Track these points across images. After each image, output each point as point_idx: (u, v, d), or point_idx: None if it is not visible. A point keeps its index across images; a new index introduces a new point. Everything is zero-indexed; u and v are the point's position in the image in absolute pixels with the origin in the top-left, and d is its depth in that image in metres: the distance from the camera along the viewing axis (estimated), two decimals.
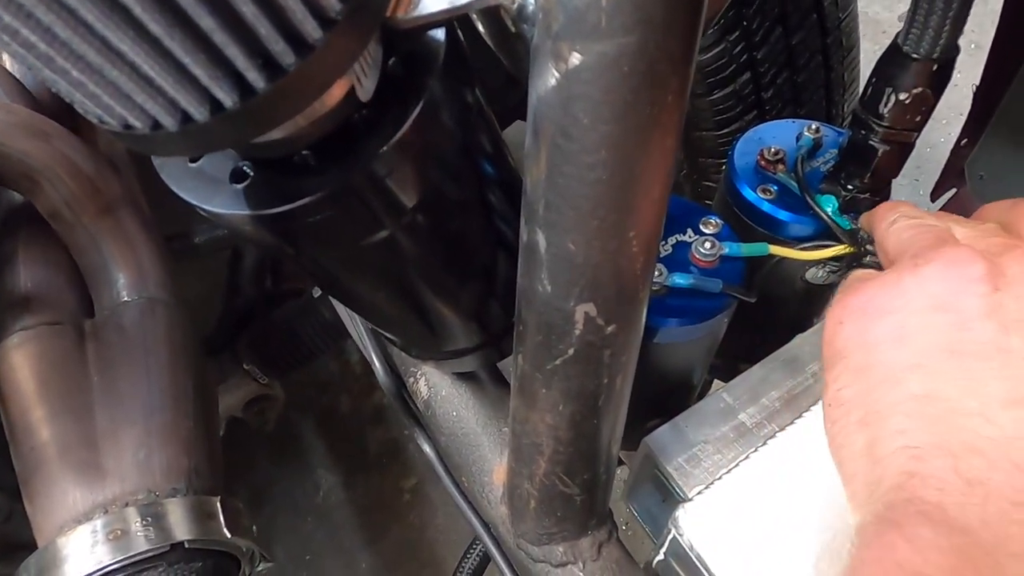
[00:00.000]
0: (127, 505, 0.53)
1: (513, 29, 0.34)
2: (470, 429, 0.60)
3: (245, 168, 0.32)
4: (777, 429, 0.48)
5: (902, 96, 0.52)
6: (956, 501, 0.23)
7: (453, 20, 0.32)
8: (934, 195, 0.85)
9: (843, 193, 0.59)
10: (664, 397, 0.66)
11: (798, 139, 0.64)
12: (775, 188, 0.61)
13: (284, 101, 0.25)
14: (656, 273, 0.54)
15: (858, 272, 0.35)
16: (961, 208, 0.82)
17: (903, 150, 0.56)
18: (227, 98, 0.23)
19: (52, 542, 0.52)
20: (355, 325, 0.69)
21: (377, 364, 0.66)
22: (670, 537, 0.45)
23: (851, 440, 0.28)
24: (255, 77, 0.23)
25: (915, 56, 0.50)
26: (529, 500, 0.49)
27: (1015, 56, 0.68)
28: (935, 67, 0.51)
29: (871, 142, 0.55)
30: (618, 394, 0.40)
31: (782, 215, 0.60)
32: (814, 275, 0.61)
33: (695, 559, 0.43)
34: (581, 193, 0.28)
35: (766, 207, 0.61)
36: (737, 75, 0.94)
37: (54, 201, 0.62)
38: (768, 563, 0.42)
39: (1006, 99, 0.70)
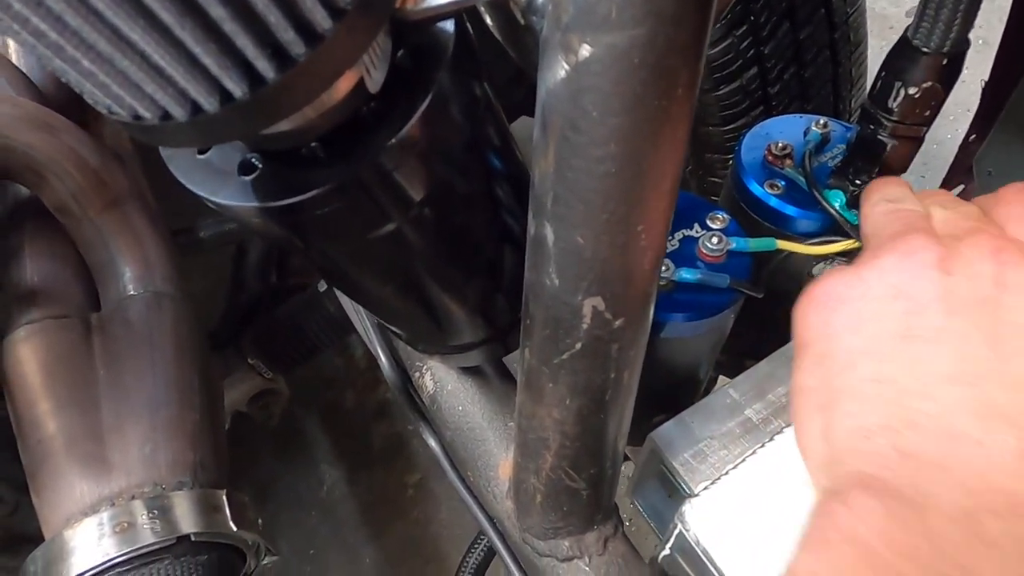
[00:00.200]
0: (133, 498, 0.54)
1: (522, 21, 0.34)
2: (476, 424, 0.60)
3: (253, 160, 0.32)
4: (784, 425, 0.48)
5: (912, 90, 0.52)
6: (892, 472, 0.25)
7: (462, 12, 0.32)
8: None
9: (851, 188, 0.59)
10: (670, 392, 0.66)
11: (805, 134, 0.63)
12: (782, 183, 0.61)
13: (293, 92, 0.25)
14: (663, 268, 0.54)
15: (830, 268, 0.36)
16: None
17: (912, 145, 0.56)
18: (237, 88, 0.23)
19: (59, 534, 0.52)
20: (361, 319, 0.69)
21: (383, 358, 0.66)
22: (676, 532, 0.45)
23: (810, 425, 0.30)
24: (265, 67, 0.23)
25: (925, 50, 0.50)
26: (535, 494, 0.49)
27: None
28: (945, 61, 0.50)
29: (880, 136, 0.55)
30: (625, 389, 0.40)
31: (789, 210, 0.60)
32: (821, 271, 0.61)
33: (701, 554, 0.43)
34: (590, 187, 0.28)
35: (773, 202, 0.60)
36: (744, 70, 0.93)
37: (60, 195, 0.62)
38: (774, 558, 0.42)
39: (1015, 95, 0.70)
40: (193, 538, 0.54)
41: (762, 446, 0.47)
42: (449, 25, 0.33)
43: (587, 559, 0.52)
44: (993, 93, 0.73)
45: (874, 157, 0.56)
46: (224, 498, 0.57)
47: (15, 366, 0.58)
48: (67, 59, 0.22)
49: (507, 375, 0.63)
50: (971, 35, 0.50)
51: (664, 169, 0.28)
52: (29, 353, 0.58)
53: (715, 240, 0.56)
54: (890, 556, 0.23)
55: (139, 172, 0.72)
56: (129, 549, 0.51)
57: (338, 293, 0.85)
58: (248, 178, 0.31)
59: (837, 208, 0.58)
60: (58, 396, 0.56)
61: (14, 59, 0.71)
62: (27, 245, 0.63)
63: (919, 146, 0.56)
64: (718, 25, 0.88)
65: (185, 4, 0.20)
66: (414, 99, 0.31)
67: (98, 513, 0.52)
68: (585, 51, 0.24)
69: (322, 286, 1.07)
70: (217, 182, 0.32)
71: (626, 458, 0.69)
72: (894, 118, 0.54)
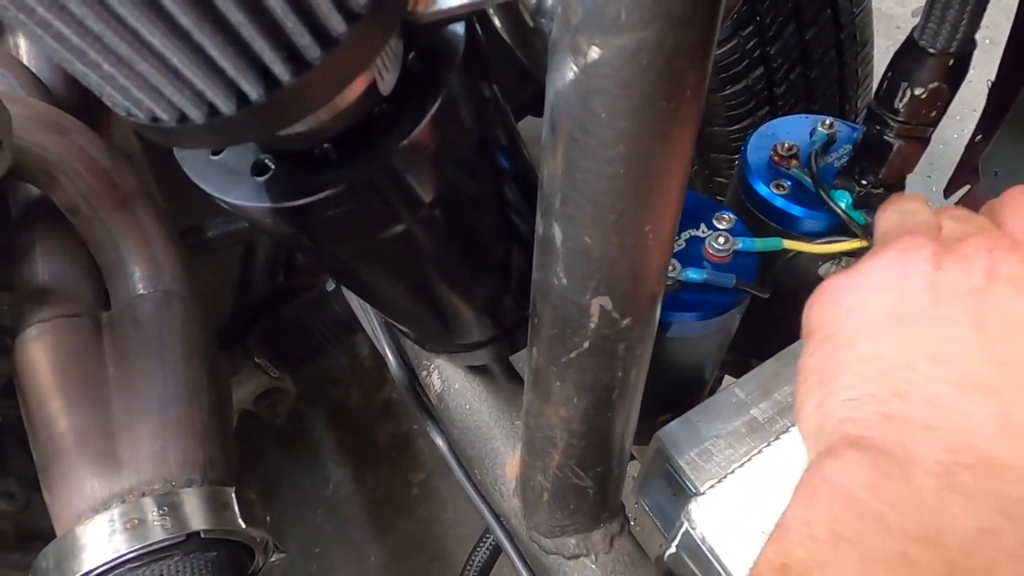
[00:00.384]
0: (144, 495, 0.54)
1: (531, 24, 0.34)
2: (483, 422, 0.61)
3: (266, 161, 0.32)
4: (789, 424, 0.48)
5: (918, 91, 0.52)
6: (879, 433, 0.28)
7: (472, 15, 0.32)
8: (947, 192, 0.85)
9: (857, 188, 0.59)
10: (676, 391, 0.67)
11: (811, 134, 0.63)
12: (788, 183, 0.61)
13: (309, 94, 0.25)
14: (670, 268, 0.54)
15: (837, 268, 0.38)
16: (974, 205, 0.81)
17: (918, 145, 0.56)
18: (253, 91, 0.24)
19: (70, 531, 0.53)
20: (368, 318, 0.69)
21: (390, 357, 0.66)
22: (682, 530, 0.45)
23: (808, 400, 0.32)
24: (281, 70, 0.24)
25: (931, 51, 0.50)
26: (542, 493, 0.49)
27: None
28: (951, 62, 0.50)
29: (886, 137, 0.55)
30: (632, 387, 0.40)
31: (795, 210, 0.60)
32: (827, 270, 0.61)
33: (707, 552, 0.44)
34: (598, 188, 0.28)
35: (779, 202, 0.61)
36: (750, 70, 0.93)
37: (71, 195, 0.62)
38: None
39: (1021, 95, 0.70)
40: (203, 535, 0.54)
41: (768, 445, 0.47)
42: (459, 28, 0.33)
43: (593, 557, 0.52)
44: (999, 93, 0.73)
45: (880, 157, 0.56)
46: (233, 495, 0.58)
47: (27, 364, 0.58)
48: (88, 63, 0.22)
49: (514, 374, 0.63)
50: (977, 35, 0.50)
51: (672, 170, 0.28)
52: (40, 351, 0.58)
53: (721, 240, 0.56)
54: (873, 503, 0.26)
55: (148, 172, 0.73)
56: (140, 546, 0.52)
57: (346, 292, 0.86)
58: (261, 179, 0.32)
59: (843, 208, 0.58)
60: (69, 394, 0.57)
61: (25, 60, 0.72)
62: (38, 244, 0.64)
63: (925, 146, 0.56)
64: (724, 25, 0.88)
65: (204, 9, 0.21)
66: (425, 101, 0.32)
67: (109, 510, 0.53)
68: (594, 53, 0.24)
69: (329, 286, 1.08)
70: (230, 182, 0.32)
71: (632, 457, 0.69)
72: (900, 119, 0.54)
